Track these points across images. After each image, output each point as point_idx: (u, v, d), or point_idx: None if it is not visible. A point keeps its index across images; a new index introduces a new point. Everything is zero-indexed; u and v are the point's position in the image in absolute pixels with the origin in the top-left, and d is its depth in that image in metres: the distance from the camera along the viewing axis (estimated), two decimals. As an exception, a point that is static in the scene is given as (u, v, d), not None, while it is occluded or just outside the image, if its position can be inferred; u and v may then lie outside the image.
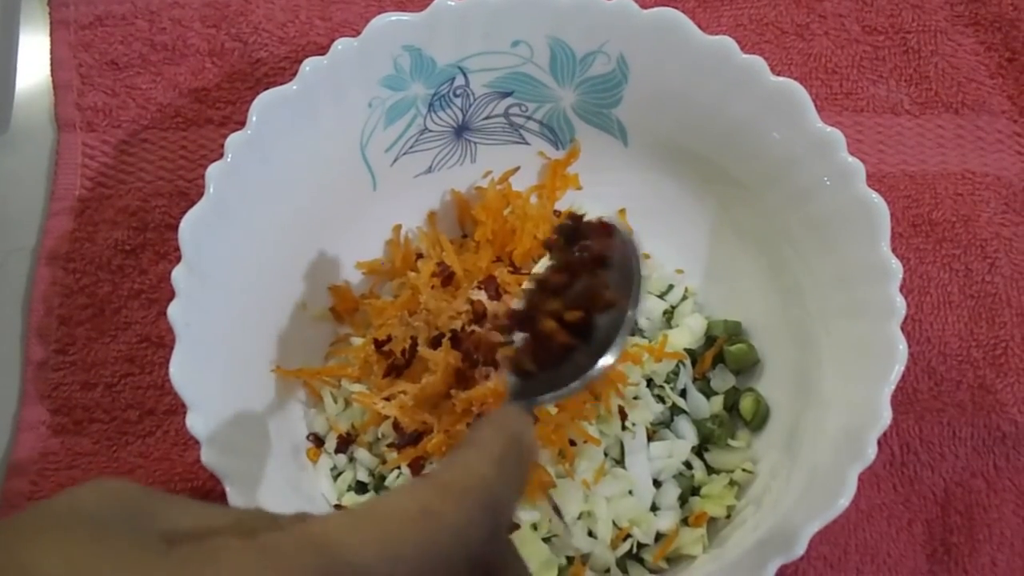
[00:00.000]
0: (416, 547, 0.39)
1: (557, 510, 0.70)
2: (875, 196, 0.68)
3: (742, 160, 0.76)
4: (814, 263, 0.73)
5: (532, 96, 0.79)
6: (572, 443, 0.71)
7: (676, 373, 0.77)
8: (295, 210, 0.74)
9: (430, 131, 0.79)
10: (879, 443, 0.63)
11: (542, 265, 0.62)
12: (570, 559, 0.71)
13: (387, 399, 0.72)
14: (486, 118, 0.80)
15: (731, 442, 0.76)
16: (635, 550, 0.72)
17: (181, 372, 0.64)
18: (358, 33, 0.71)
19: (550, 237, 0.60)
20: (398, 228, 0.82)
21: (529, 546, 0.70)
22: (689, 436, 0.76)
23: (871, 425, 0.63)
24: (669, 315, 0.80)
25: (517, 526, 0.70)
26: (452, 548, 0.41)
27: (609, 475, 0.72)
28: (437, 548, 0.40)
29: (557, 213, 0.82)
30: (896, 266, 0.67)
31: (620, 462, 0.73)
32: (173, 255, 0.66)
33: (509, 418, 0.49)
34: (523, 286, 0.60)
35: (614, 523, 0.72)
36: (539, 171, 0.84)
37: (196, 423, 0.63)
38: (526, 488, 0.48)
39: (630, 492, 0.72)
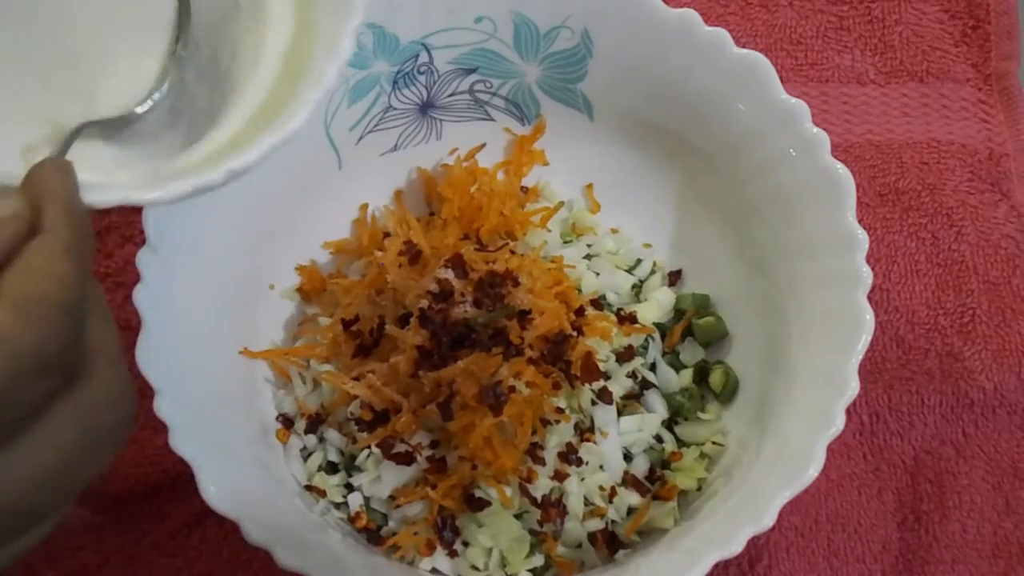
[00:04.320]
0: None
1: (526, 490, 0.71)
2: (840, 166, 0.68)
3: (708, 133, 0.76)
4: (781, 234, 0.73)
5: (497, 72, 0.79)
6: (544, 422, 0.71)
7: (645, 347, 0.77)
8: (260, 191, 0.74)
9: (395, 109, 0.79)
10: (848, 413, 0.63)
11: None
12: (542, 534, 0.71)
13: (356, 379, 0.72)
14: (451, 95, 0.80)
15: (701, 415, 0.76)
16: (608, 525, 0.72)
17: (147, 356, 0.63)
18: (320, 11, 0.70)
19: None
20: (365, 207, 0.81)
21: (500, 523, 0.70)
22: (659, 410, 0.76)
23: (839, 395, 0.64)
24: (637, 289, 0.80)
25: (488, 502, 0.70)
26: (29, 367, 0.42)
27: (580, 450, 0.72)
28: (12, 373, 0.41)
29: (524, 189, 0.82)
30: (862, 236, 0.67)
31: (591, 433, 0.73)
32: (139, 238, 0.66)
33: (58, 180, 0.48)
34: None
35: (588, 500, 0.72)
36: (505, 147, 0.83)
37: (164, 407, 0.63)
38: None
39: (601, 467, 0.72)
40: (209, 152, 0.56)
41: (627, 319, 0.77)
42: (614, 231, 0.82)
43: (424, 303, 0.71)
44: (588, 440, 0.72)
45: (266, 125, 0.56)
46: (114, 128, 0.56)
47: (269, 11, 0.60)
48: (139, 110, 0.56)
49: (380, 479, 0.72)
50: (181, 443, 0.62)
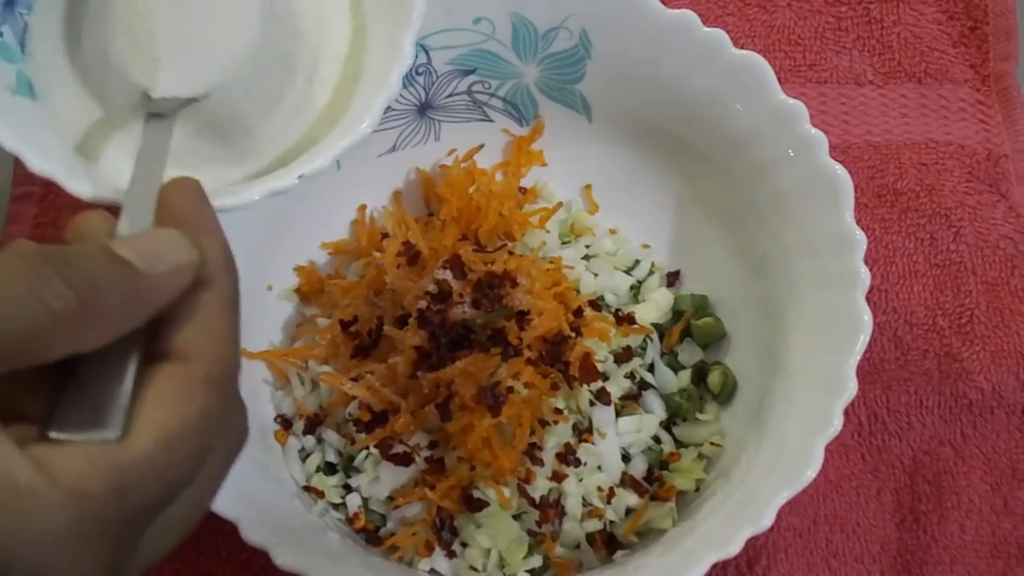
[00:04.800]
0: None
1: (524, 490, 0.71)
2: (838, 167, 0.68)
3: (706, 134, 0.76)
4: (779, 235, 0.73)
5: (495, 73, 0.79)
6: (543, 422, 0.71)
7: (644, 348, 0.77)
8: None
9: (393, 110, 0.79)
10: (846, 413, 0.63)
11: None
12: (540, 535, 0.71)
13: (354, 380, 0.72)
14: (449, 96, 0.80)
15: (699, 416, 0.76)
16: (606, 526, 0.72)
17: (146, 357, 0.63)
18: (318, 12, 0.71)
19: None
20: (363, 208, 0.81)
21: (499, 523, 0.70)
22: (657, 410, 0.76)
23: (837, 396, 0.64)
24: (636, 290, 0.80)
25: (487, 503, 0.70)
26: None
27: (578, 450, 0.72)
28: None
29: (522, 190, 0.82)
30: (860, 236, 0.67)
31: (589, 434, 0.73)
32: (137, 239, 0.65)
33: (207, 213, 0.47)
34: None
35: (586, 501, 0.72)
36: (503, 148, 0.83)
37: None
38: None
39: (599, 468, 0.72)
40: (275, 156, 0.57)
41: (625, 320, 0.77)
42: (612, 232, 0.82)
43: (422, 304, 0.71)
44: (586, 441, 0.72)
45: (329, 128, 0.57)
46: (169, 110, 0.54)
47: (329, 21, 0.60)
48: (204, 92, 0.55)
49: (378, 480, 0.72)
50: (179, 444, 0.62)
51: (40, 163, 0.53)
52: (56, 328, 0.38)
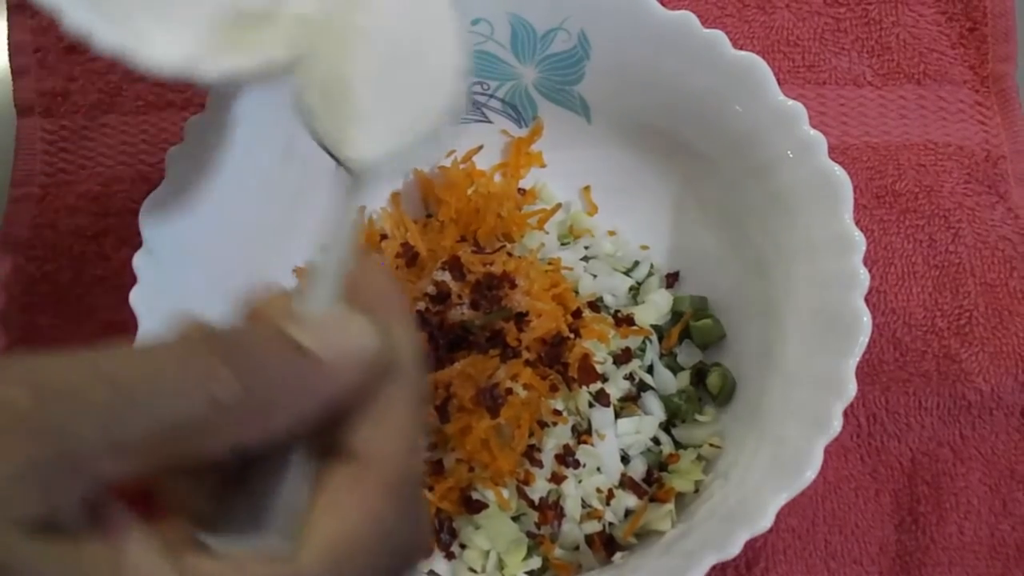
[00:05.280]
0: None
1: (523, 492, 0.70)
2: (837, 168, 0.68)
3: (705, 135, 0.76)
4: (778, 236, 0.73)
5: (494, 74, 0.79)
6: (541, 424, 0.71)
7: (643, 349, 0.77)
8: (257, 192, 0.74)
9: (392, 111, 0.79)
10: (845, 415, 0.63)
11: None
12: (539, 537, 0.71)
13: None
14: (448, 97, 0.80)
15: (698, 417, 0.76)
16: (605, 527, 0.72)
17: (144, 359, 0.63)
18: (317, 13, 0.70)
19: None
20: (361, 209, 0.81)
21: (497, 525, 0.70)
22: (656, 412, 0.76)
23: (837, 397, 0.64)
24: (635, 291, 0.80)
25: (485, 505, 0.70)
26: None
27: (577, 452, 0.72)
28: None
29: (521, 191, 0.82)
30: (859, 238, 0.67)
31: (588, 435, 0.73)
32: (136, 240, 0.65)
33: (401, 301, 0.42)
34: None
35: (585, 502, 0.72)
36: (502, 149, 0.83)
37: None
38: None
39: (598, 469, 0.72)
40: None
41: (624, 321, 0.77)
42: (611, 233, 0.82)
43: (421, 305, 0.71)
44: (585, 442, 0.72)
45: None
46: None
47: None
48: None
49: (377, 481, 0.72)
50: (178, 446, 0.62)
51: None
52: (220, 421, 0.35)
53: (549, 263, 0.77)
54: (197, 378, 0.34)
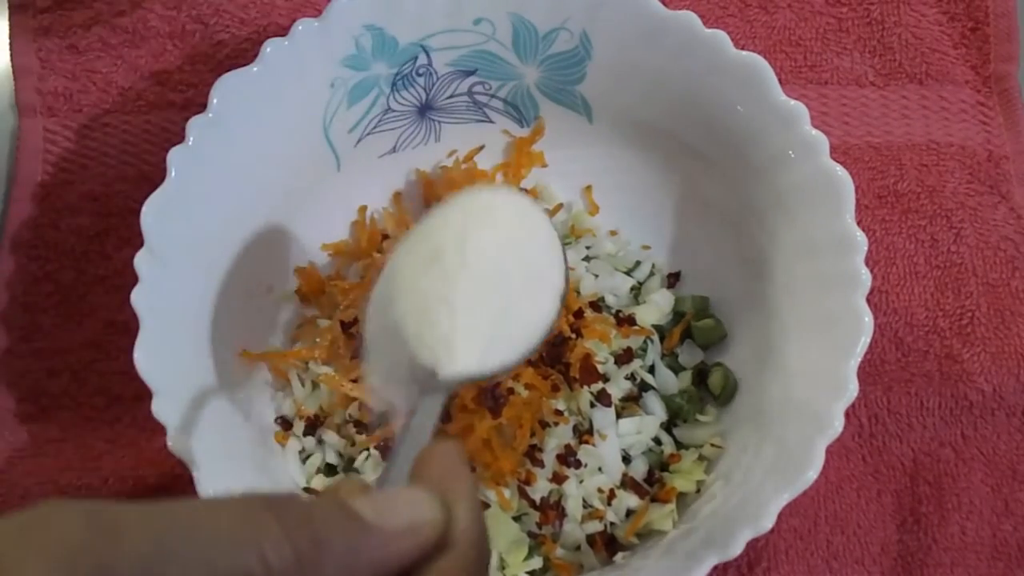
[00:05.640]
0: None
1: (524, 492, 0.70)
2: (839, 169, 0.68)
3: (706, 135, 0.76)
4: (780, 236, 0.73)
5: (495, 74, 0.79)
6: (543, 424, 0.71)
7: (644, 349, 0.77)
8: (258, 193, 0.74)
9: (393, 111, 0.79)
10: (847, 415, 0.63)
11: None
12: (541, 537, 0.71)
13: (355, 381, 0.72)
14: (449, 97, 0.80)
15: (700, 417, 0.76)
16: (606, 527, 0.72)
17: (146, 358, 0.63)
18: (319, 13, 0.71)
19: None
20: (363, 209, 0.81)
21: (499, 525, 0.70)
22: (658, 412, 0.76)
23: (838, 397, 0.64)
24: (636, 291, 0.80)
25: (487, 505, 0.70)
26: None
27: (579, 452, 0.72)
28: None
29: (523, 191, 0.82)
30: (861, 238, 0.67)
31: (589, 436, 0.73)
32: (138, 240, 0.65)
33: (469, 482, 0.42)
34: None
35: (586, 502, 0.72)
36: (504, 149, 0.83)
37: (162, 409, 0.63)
38: None
39: (600, 469, 0.72)
40: None
41: (626, 321, 0.77)
42: (613, 233, 0.82)
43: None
44: (587, 442, 0.72)
45: None
46: None
47: None
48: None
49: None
50: (179, 445, 0.62)
51: None
52: None
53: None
54: (249, 534, 0.35)
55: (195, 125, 0.68)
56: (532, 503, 0.70)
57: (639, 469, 0.74)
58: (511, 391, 0.69)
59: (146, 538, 0.33)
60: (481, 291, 0.54)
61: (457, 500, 0.41)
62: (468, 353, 0.52)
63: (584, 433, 0.73)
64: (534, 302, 0.55)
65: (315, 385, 0.76)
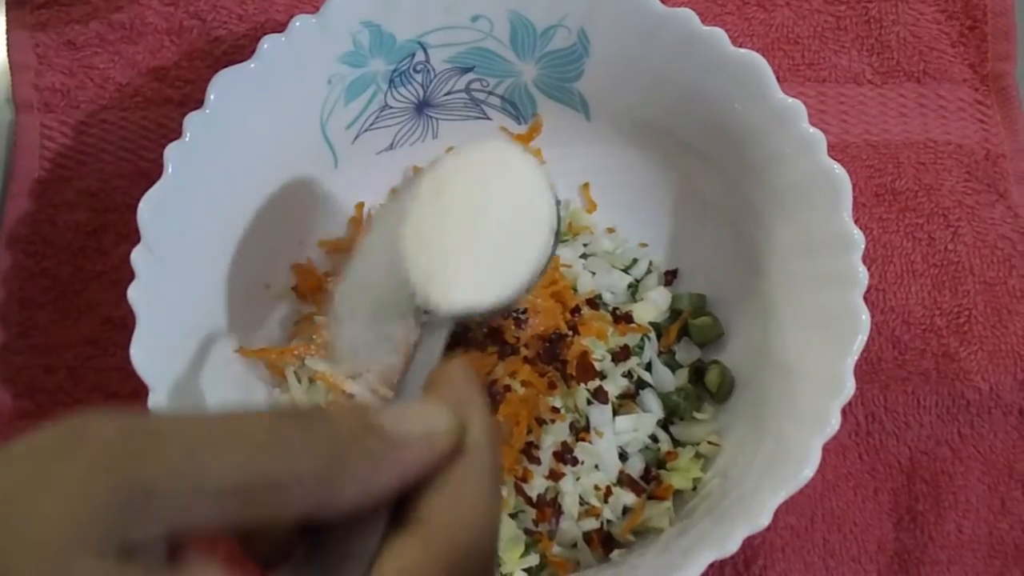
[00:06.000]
0: None
1: (521, 489, 0.70)
2: (837, 166, 0.68)
3: (704, 132, 0.76)
4: (777, 234, 0.73)
5: (493, 71, 0.79)
6: (540, 421, 0.71)
7: (641, 347, 0.77)
8: (256, 189, 0.74)
9: (391, 108, 0.79)
10: (844, 413, 0.63)
11: None
12: (537, 534, 0.71)
13: (351, 378, 0.72)
14: (447, 94, 0.80)
15: (697, 415, 0.76)
16: (603, 525, 0.72)
17: (143, 354, 0.63)
18: (317, 10, 0.70)
19: None
20: (361, 206, 0.81)
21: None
22: (655, 409, 0.76)
23: (835, 396, 0.64)
24: (633, 288, 0.80)
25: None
26: None
27: (576, 449, 0.72)
28: None
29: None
30: (858, 236, 0.67)
31: (586, 433, 0.73)
32: (134, 236, 0.65)
33: (475, 391, 0.44)
34: None
35: (583, 500, 0.72)
36: (502, 146, 0.83)
37: (159, 405, 0.63)
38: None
39: (596, 467, 0.72)
40: None
41: (623, 318, 0.77)
42: (610, 230, 0.82)
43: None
44: (583, 440, 0.72)
45: None
46: None
47: None
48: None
49: (376, 479, 0.72)
50: (176, 441, 0.62)
51: None
52: (295, 486, 0.36)
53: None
54: (277, 442, 0.36)
55: (192, 121, 0.68)
56: (529, 500, 0.70)
57: (636, 466, 0.74)
58: (508, 388, 0.70)
59: (180, 447, 0.34)
60: (476, 229, 0.57)
61: (468, 411, 0.42)
62: (464, 288, 0.54)
63: (581, 430, 0.72)
64: (528, 239, 0.57)
65: (311, 382, 0.76)
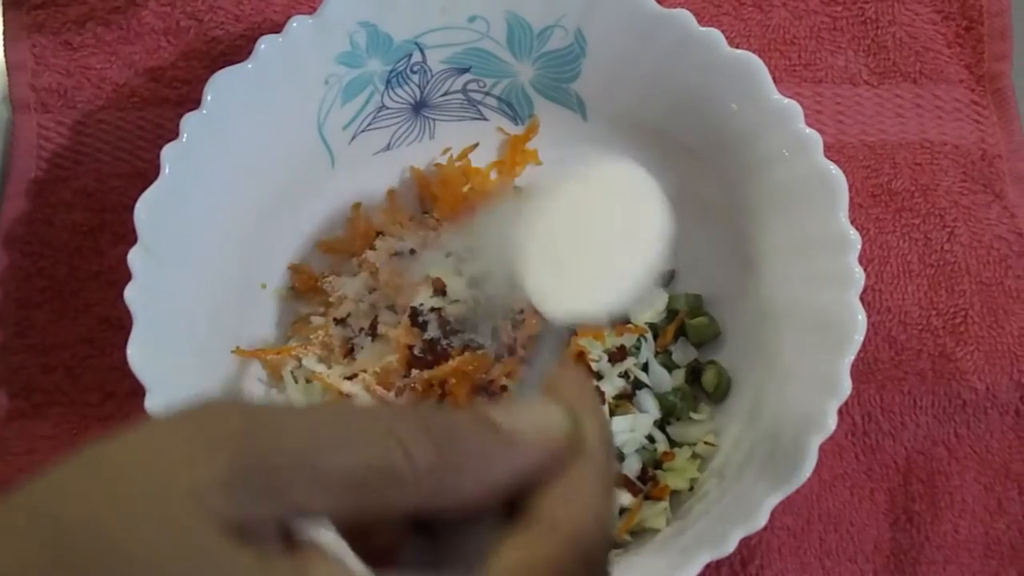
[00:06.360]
0: None
1: None
2: (833, 167, 0.68)
3: (700, 133, 0.76)
4: (773, 234, 0.73)
5: (490, 72, 0.79)
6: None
7: (638, 347, 0.77)
8: (252, 189, 0.74)
9: (388, 108, 0.79)
10: (840, 413, 0.63)
11: None
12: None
13: (348, 378, 0.72)
14: (444, 94, 0.80)
15: (693, 415, 0.76)
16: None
17: (140, 354, 0.63)
18: (314, 10, 0.71)
19: None
20: (357, 206, 0.81)
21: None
22: (651, 410, 0.76)
23: (832, 395, 0.64)
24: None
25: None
26: None
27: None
28: None
29: (517, 189, 0.82)
30: (855, 236, 0.67)
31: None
32: (132, 236, 0.65)
33: (595, 395, 0.45)
34: None
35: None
36: (498, 147, 0.83)
37: (156, 406, 0.63)
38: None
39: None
40: None
41: (619, 319, 0.77)
42: (607, 232, 0.82)
43: (417, 301, 0.71)
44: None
45: None
46: None
47: None
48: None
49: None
50: (173, 442, 0.62)
51: None
52: (412, 479, 0.37)
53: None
54: (394, 433, 0.36)
55: (189, 121, 0.68)
56: None
57: (632, 467, 0.74)
58: (504, 388, 0.69)
59: (300, 432, 0.35)
60: (591, 243, 0.56)
61: (584, 414, 0.42)
62: (578, 297, 0.54)
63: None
64: (637, 254, 0.57)
65: (308, 382, 0.76)
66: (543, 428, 0.41)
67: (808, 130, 0.69)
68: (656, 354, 0.78)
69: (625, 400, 0.75)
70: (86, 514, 0.33)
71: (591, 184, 0.60)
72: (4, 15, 0.89)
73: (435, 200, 0.80)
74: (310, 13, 0.71)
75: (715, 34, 0.71)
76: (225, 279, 0.73)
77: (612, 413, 0.74)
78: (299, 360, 0.76)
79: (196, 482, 0.33)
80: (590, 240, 0.57)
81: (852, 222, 0.67)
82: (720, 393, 0.77)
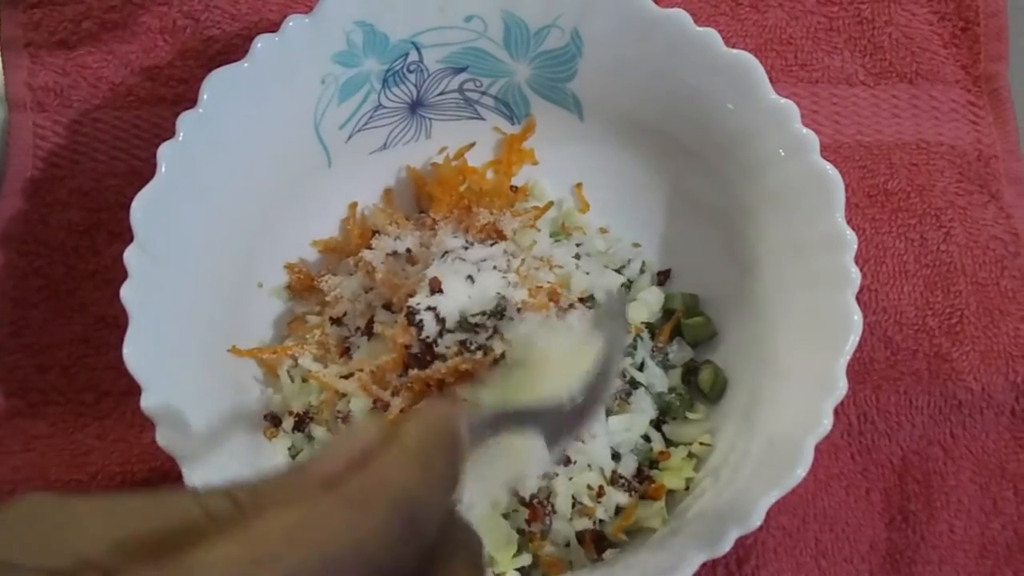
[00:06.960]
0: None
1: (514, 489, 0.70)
2: (829, 167, 0.68)
3: (697, 133, 0.76)
4: (770, 234, 0.73)
5: (486, 71, 0.79)
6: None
7: (634, 347, 0.77)
8: (249, 188, 0.74)
9: (384, 107, 0.79)
10: (836, 413, 0.63)
11: None
12: (530, 534, 0.71)
13: (344, 377, 0.72)
14: (440, 94, 0.80)
15: (689, 415, 0.76)
16: (596, 525, 0.72)
17: (135, 353, 0.63)
18: (310, 9, 0.70)
19: None
20: (354, 206, 0.81)
21: (488, 522, 0.70)
22: (648, 409, 0.76)
23: (828, 395, 0.64)
24: (627, 289, 0.80)
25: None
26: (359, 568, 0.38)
27: (568, 449, 0.72)
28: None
29: (513, 188, 0.82)
30: (851, 236, 0.67)
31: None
32: (127, 235, 0.65)
33: (436, 409, 0.45)
34: None
35: (576, 499, 0.72)
36: (495, 146, 0.83)
37: (151, 404, 0.63)
38: (456, 487, 0.44)
39: (589, 466, 0.72)
40: None
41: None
42: (603, 231, 0.82)
43: (415, 301, 0.71)
44: (576, 439, 0.72)
45: None
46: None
47: None
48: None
49: (368, 477, 0.72)
50: (168, 440, 0.62)
51: None
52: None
53: (541, 260, 0.77)
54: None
55: (185, 120, 0.68)
56: (521, 500, 0.70)
57: (628, 466, 0.74)
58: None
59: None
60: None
61: (413, 417, 0.44)
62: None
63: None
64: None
65: (304, 381, 0.76)
66: (350, 439, 0.43)
67: (804, 130, 0.69)
68: (652, 354, 0.78)
69: (621, 400, 0.75)
70: None
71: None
72: (0, 14, 0.89)
73: (431, 199, 0.80)
74: (306, 12, 0.70)
75: (712, 34, 0.71)
76: (221, 278, 0.73)
77: (609, 413, 0.74)
78: (295, 359, 0.76)
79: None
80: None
81: (848, 222, 0.67)
82: (716, 393, 0.77)
